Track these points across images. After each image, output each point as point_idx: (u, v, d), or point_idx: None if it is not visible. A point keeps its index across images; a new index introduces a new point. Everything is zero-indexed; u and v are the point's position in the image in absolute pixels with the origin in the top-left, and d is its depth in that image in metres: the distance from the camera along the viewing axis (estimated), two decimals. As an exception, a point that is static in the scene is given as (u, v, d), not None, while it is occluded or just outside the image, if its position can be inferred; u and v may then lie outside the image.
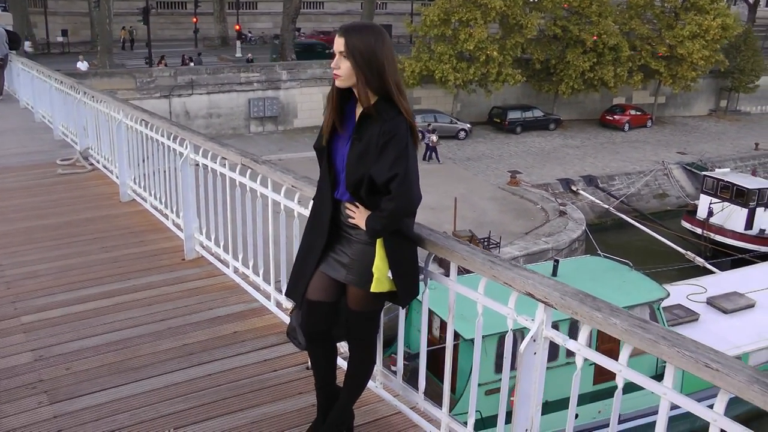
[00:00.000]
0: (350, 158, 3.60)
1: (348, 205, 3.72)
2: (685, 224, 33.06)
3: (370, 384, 4.43)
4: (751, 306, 20.57)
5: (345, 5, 65.30)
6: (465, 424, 4.04)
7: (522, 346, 3.37)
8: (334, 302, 3.94)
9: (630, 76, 45.90)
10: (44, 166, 10.93)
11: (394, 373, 4.62)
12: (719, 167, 37.50)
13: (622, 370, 3.12)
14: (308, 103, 41.62)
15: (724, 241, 30.99)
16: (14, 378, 4.91)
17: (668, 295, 17.75)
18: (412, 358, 14.01)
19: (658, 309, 17.60)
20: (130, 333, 5.55)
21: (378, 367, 4.54)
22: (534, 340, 3.38)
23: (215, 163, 6.41)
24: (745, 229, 30.98)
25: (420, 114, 41.87)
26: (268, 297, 5.93)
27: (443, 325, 14.13)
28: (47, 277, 6.70)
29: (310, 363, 4.94)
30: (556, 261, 19.51)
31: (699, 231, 31.84)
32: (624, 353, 3.11)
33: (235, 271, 6.50)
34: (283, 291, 5.57)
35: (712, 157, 42.26)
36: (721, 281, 22.92)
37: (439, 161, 37.65)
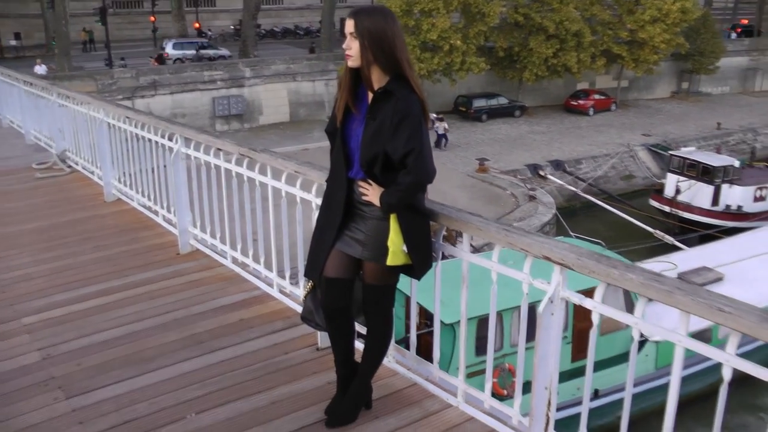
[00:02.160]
0: (365, 137, 3.71)
1: (361, 182, 3.82)
2: (653, 203, 33.54)
3: (384, 359, 4.53)
4: (719, 279, 20.94)
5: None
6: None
7: (540, 308, 3.49)
8: (351, 279, 4.05)
9: (593, 61, 46.32)
10: (20, 171, 10.80)
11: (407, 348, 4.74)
12: (684, 147, 38.00)
13: (638, 322, 3.24)
14: (273, 99, 41.54)
15: (691, 218, 31.50)
16: (25, 377, 4.92)
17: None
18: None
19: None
20: (136, 327, 5.58)
21: (391, 342, 4.64)
22: (551, 301, 3.50)
23: (209, 155, 6.46)
24: (712, 206, 31.52)
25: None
26: (270, 284, 6.00)
27: (422, 312, 14.26)
28: (42, 279, 6.68)
29: (320, 343, 5.08)
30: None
31: (667, 209, 32.32)
32: (639, 307, 3.24)
33: (234, 261, 6.55)
34: (287, 277, 5.69)
35: (676, 137, 42.91)
36: (690, 257, 23.28)
37: (446, 148, 38.08)
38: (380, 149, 3.65)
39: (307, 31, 60.06)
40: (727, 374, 2.92)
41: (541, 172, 36.53)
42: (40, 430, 4.27)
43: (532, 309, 11.45)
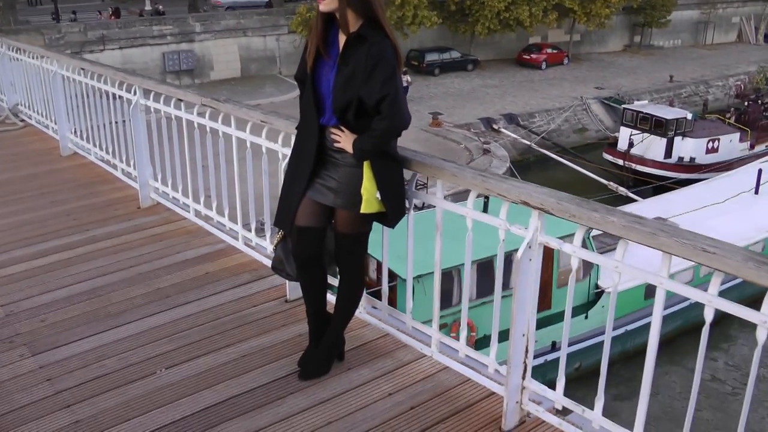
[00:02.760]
0: (337, 83, 3.63)
1: (333, 129, 3.74)
2: (607, 156, 33.78)
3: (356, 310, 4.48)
4: (674, 229, 21.32)
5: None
6: (457, 338, 4.15)
7: (519, 253, 3.46)
8: (322, 227, 3.99)
9: (545, 15, 46.16)
10: (-31, 127, 10.50)
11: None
12: (637, 100, 38.28)
13: (619, 266, 3.23)
14: (224, 55, 40.76)
15: (644, 170, 31.80)
16: (-12, 334, 4.81)
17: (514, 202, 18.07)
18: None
19: (588, 237, 18.09)
20: (99, 282, 5.48)
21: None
22: (530, 247, 3.48)
23: (169, 106, 6.30)
24: (665, 158, 31.85)
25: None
26: (235, 237, 5.92)
27: (379, 266, 14.27)
28: (0, 234, 6.53)
29: (289, 295, 5.02)
30: (486, 198, 19.80)
31: (620, 162, 32.58)
32: (620, 250, 3.23)
33: (197, 214, 6.45)
34: (253, 229, 5.61)
35: (629, 90, 43.10)
36: (644, 208, 23.54)
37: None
38: (353, 95, 3.57)
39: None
40: (709, 315, 2.94)
41: (495, 126, 36.52)
42: (7, 387, 4.17)
43: (487, 264, 11.37)
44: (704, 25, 59.39)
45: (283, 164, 4.84)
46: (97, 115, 7.86)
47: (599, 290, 17.83)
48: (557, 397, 3.64)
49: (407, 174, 4.01)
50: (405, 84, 38.31)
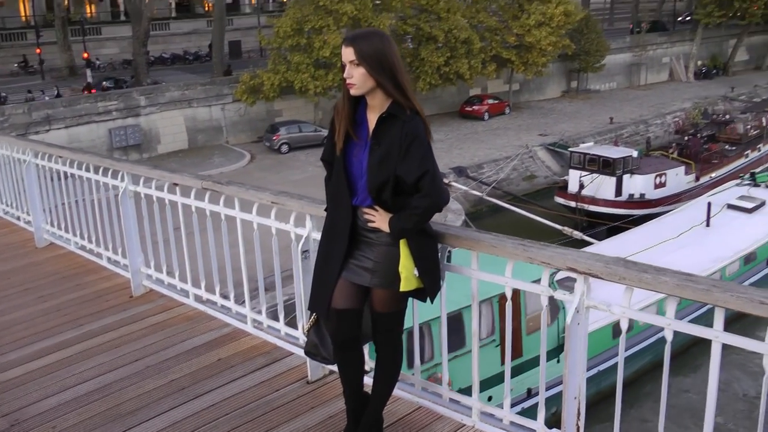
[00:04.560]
0: (371, 163, 3.61)
1: (366, 210, 3.71)
2: (559, 200, 34.31)
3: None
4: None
5: (191, 24, 64.19)
6: (500, 406, 4.10)
7: (568, 319, 3.46)
8: (360, 308, 3.93)
9: (484, 67, 47.05)
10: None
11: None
12: (581, 143, 39.03)
13: (671, 323, 3.27)
14: (170, 127, 40.62)
15: (597, 210, 32.37)
16: (-3, 449, 4.60)
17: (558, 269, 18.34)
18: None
19: (553, 283, 18.20)
20: (107, 378, 5.28)
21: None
22: (577, 312, 3.47)
23: (162, 191, 6.20)
24: (616, 196, 32.55)
25: (284, 125, 41.82)
26: (243, 319, 5.80)
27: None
28: (-12, 337, 6.28)
29: (311, 376, 4.92)
30: (449, 251, 19.88)
31: (573, 204, 33.11)
32: (671, 308, 3.24)
33: (197, 299, 6.31)
34: (263, 311, 5.51)
35: (572, 135, 44.00)
36: (602, 250, 23.85)
37: None
38: (390, 174, 3.56)
39: (196, 56, 59.20)
40: (669, 337, 3.27)
41: (445, 180, 36.76)
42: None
43: (456, 318, 11.31)
44: (637, 67, 61.25)
45: (299, 245, 4.79)
46: (77, 204, 7.69)
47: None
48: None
49: (440, 248, 4.00)
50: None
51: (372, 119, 3.66)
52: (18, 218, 9.28)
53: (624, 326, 3.42)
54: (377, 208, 3.69)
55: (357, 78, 3.57)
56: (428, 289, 3.81)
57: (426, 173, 3.52)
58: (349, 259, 3.83)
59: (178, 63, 57.90)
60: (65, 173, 7.70)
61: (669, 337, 3.29)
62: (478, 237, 3.82)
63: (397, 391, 4.61)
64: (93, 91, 42.02)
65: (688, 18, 67.20)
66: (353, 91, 3.61)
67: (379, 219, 3.68)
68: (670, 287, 3.15)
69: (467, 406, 4.28)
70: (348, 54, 3.56)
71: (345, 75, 3.60)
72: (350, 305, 3.87)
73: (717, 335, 3.11)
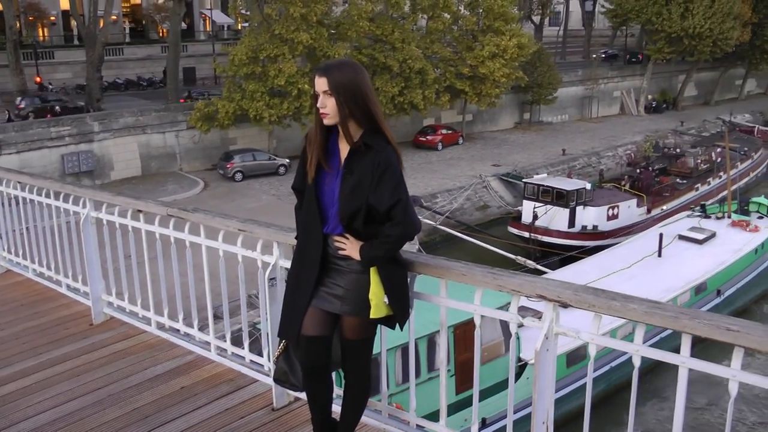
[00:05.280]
0: (343, 192, 3.65)
1: (337, 238, 3.75)
2: (512, 230, 34.60)
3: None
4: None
5: (145, 50, 63.83)
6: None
7: (537, 345, 3.52)
8: (330, 336, 3.94)
9: (438, 97, 47.46)
10: None
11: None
12: (535, 174, 39.51)
13: (639, 349, 3.34)
14: (124, 153, 40.21)
15: (550, 241, 32.73)
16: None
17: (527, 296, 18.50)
18: None
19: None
20: (68, 408, 5.20)
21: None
22: (547, 338, 3.53)
23: (125, 218, 6.16)
24: (569, 228, 32.95)
25: (238, 153, 41.68)
26: (206, 347, 5.77)
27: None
28: (-57, 367, 6.14)
29: (276, 403, 4.90)
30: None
31: (526, 235, 33.41)
32: (638, 334, 3.32)
33: (160, 326, 6.26)
34: (227, 338, 5.50)
35: (525, 166, 44.53)
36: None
37: None
38: (362, 203, 3.60)
39: (150, 82, 58.88)
40: (637, 362, 3.33)
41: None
42: None
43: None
44: (589, 100, 62.32)
45: (266, 272, 4.81)
46: (36, 230, 7.58)
47: (522, 362, 18.02)
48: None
49: (408, 275, 4.04)
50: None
51: (344, 148, 3.70)
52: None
53: (592, 352, 3.49)
54: (348, 236, 3.72)
55: (330, 108, 3.61)
56: (397, 316, 3.84)
57: (398, 202, 3.57)
58: (319, 287, 3.85)
59: (132, 88, 57.48)
60: (23, 198, 7.60)
61: (637, 363, 3.36)
62: (448, 265, 3.87)
63: (363, 418, 4.62)
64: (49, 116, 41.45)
65: (636, 58, 68.81)
66: (326, 121, 3.65)
67: (349, 247, 3.71)
68: (638, 314, 3.23)
69: (433, 432, 4.31)
70: (321, 84, 3.60)
71: (318, 105, 3.64)
72: (320, 332, 3.88)
73: (684, 361, 3.19)
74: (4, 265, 8.34)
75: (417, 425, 4.44)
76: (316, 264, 3.80)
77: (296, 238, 3.99)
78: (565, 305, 3.45)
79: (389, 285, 3.76)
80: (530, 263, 29.96)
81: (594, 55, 66.50)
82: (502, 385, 17.10)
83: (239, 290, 5.26)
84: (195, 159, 42.98)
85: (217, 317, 5.89)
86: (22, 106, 42.62)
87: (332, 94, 3.59)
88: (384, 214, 3.60)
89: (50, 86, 52.84)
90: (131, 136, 40.41)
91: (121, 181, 39.24)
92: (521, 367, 18.04)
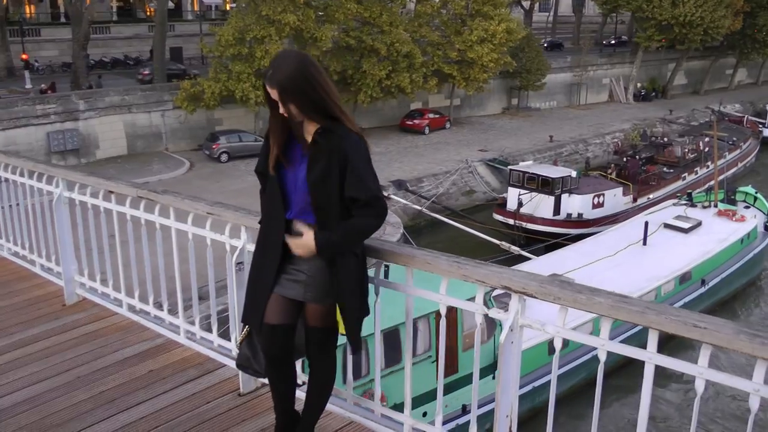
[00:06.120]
0: (313, 180, 3.62)
1: (290, 237, 3.72)
2: (497, 217, 34.56)
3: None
4: (569, 285, 21.93)
5: (132, 29, 63.36)
6: (432, 423, 4.11)
7: (501, 337, 3.49)
8: (293, 324, 3.92)
9: (425, 81, 47.28)
10: None
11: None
12: (521, 161, 39.46)
13: (605, 344, 3.31)
14: (109, 132, 39.95)
15: (535, 228, 32.71)
16: None
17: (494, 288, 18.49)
18: None
19: (490, 299, 18.37)
20: (36, 389, 5.17)
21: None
22: (511, 330, 3.50)
23: (97, 198, 6.10)
24: (554, 215, 32.93)
25: (224, 134, 41.46)
26: (176, 331, 5.74)
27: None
28: None
29: (242, 388, 4.87)
30: (387, 266, 19.92)
31: (511, 222, 33.40)
32: (605, 328, 3.29)
33: (131, 308, 6.22)
34: (196, 322, 5.46)
35: (512, 151, 44.46)
36: (539, 266, 24.11)
37: None
38: (328, 190, 3.58)
39: (137, 61, 58.44)
40: (602, 357, 3.32)
41: (385, 193, 36.71)
42: None
43: (392, 334, 11.36)
44: (577, 87, 62.22)
45: (233, 256, 4.77)
46: (11, 209, 7.52)
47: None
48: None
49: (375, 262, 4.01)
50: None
51: (309, 134, 3.66)
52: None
53: (558, 345, 3.46)
54: (302, 232, 3.70)
55: (292, 112, 3.59)
56: (353, 313, 3.82)
57: (368, 188, 3.55)
58: (281, 274, 3.82)
59: (119, 67, 57.07)
60: (-1, 177, 7.53)
61: (603, 357, 3.34)
62: (413, 253, 3.84)
63: (329, 406, 4.59)
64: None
65: (620, 40, 68.51)
66: (295, 119, 3.63)
67: (304, 239, 3.67)
68: (604, 308, 3.20)
69: (399, 422, 4.28)
70: (274, 94, 3.57)
71: (281, 111, 3.60)
72: (283, 321, 3.85)
73: (650, 357, 3.16)
74: (-22, 244, 8.27)
75: (382, 414, 4.41)
76: (278, 250, 3.77)
77: (260, 222, 3.95)
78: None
79: (345, 279, 3.72)
80: (515, 249, 30.01)
81: (582, 42, 66.21)
82: (486, 371, 17.19)
83: (209, 274, 5.22)
84: (181, 139, 42.73)
85: (190, 301, 5.85)
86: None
87: (288, 100, 3.55)
88: (350, 200, 3.57)
89: (36, 64, 52.34)
90: (117, 115, 40.13)
91: (107, 160, 39.00)
92: (499, 354, 18.06)
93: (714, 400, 19.94)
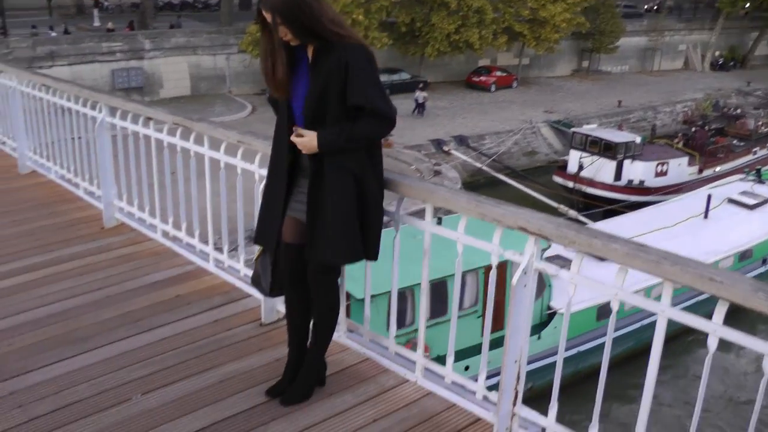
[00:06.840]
0: (311, 92, 3.64)
1: (294, 136, 3.72)
2: (557, 179, 34.05)
3: (335, 334, 4.38)
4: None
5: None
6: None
7: (514, 279, 3.43)
8: (304, 243, 3.91)
9: (494, 39, 46.53)
10: None
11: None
12: (586, 124, 38.73)
13: (665, 310, 3.12)
14: (173, 73, 40.35)
15: (595, 193, 32.13)
16: (-51, 359, 4.61)
17: (549, 246, 18.31)
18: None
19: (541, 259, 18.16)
20: (67, 305, 5.31)
21: (340, 316, 4.49)
22: (525, 273, 3.44)
23: (137, 124, 6.16)
24: (615, 181, 32.24)
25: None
26: (206, 258, 5.81)
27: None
28: (-43, 255, 6.29)
29: (264, 318, 4.92)
30: (440, 219, 19.81)
31: (570, 185, 32.88)
32: (666, 294, 3.12)
33: (165, 234, 6.31)
34: (225, 251, 5.50)
35: (578, 114, 43.62)
36: (595, 231, 23.72)
37: (422, 116, 39.81)
38: (329, 99, 3.61)
39: (206, 4, 58.67)
40: (662, 324, 3.06)
41: (445, 148, 36.58)
42: (-24, 414, 3.99)
43: (440, 285, 11.26)
44: (651, 52, 60.46)
45: (261, 186, 4.77)
46: (58, 133, 7.66)
47: (551, 311, 17.91)
48: (549, 423, 3.60)
49: (394, 197, 3.97)
50: (422, 100, 39.02)
51: (310, 52, 3.70)
52: (4, 144, 9.28)
53: (614, 307, 3.28)
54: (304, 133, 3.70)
55: (291, 36, 3.60)
56: (328, 229, 3.77)
57: (365, 95, 3.57)
58: (292, 196, 3.88)
59: (187, 10, 57.36)
60: (48, 102, 7.65)
61: (662, 324, 3.11)
62: (432, 189, 3.79)
63: (346, 341, 4.63)
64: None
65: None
66: (292, 42, 3.64)
67: (306, 139, 3.66)
68: (619, 255, 3.11)
69: (412, 360, 4.27)
70: (269, 18, 3.57)
71: (281, 35, 3.59)
72: (295, 240, 3.90)
73: (715, 329, 2.91)
74: (30, 166, 8.50)
75: (396, 353, 4.40)
76: (284, 170, 3.83)
77: (272, 149, 3.98)
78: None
79: (329, 193, 3.72)
80: (572, 213, 29.63)
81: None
82: (534, 330, 17.08)
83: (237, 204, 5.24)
84: (244, 83, 42.91)
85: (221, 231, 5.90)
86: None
87: (282, 23, 3.54)
88: (356, 111, 3.60)
89: (106, 3, 52.93)
90: (182, 56, 40.42)
91: (170, 100, 39.40)
92: (550, 315, 17.95)
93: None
